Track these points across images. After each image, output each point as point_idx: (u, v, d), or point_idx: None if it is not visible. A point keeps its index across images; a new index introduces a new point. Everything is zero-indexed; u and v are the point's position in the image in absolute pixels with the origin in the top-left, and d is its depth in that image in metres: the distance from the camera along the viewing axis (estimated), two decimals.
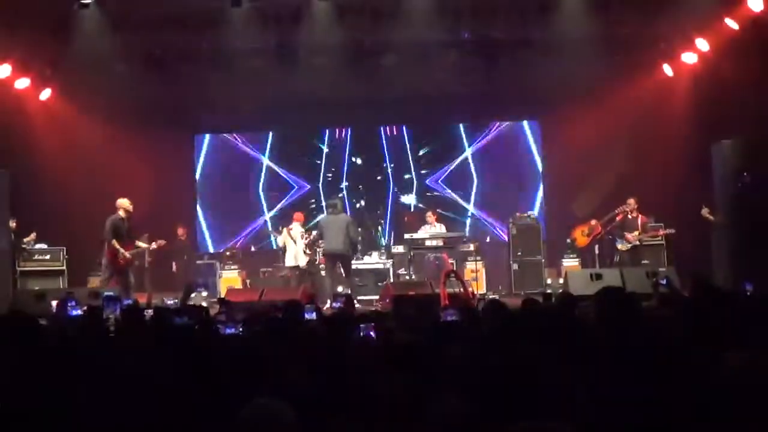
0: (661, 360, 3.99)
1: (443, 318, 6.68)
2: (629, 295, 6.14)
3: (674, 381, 3.70)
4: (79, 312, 8.43)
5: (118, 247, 13.11)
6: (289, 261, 15.17)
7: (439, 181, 18.39)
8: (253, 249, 18.13)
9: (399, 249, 16.34)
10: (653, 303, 7.28)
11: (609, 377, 4.04)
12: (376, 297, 14.00)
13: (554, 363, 4.07)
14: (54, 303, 9.69)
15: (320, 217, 15.34)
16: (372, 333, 5.41)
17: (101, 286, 13.27)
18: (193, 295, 14.19)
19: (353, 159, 18.48)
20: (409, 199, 18.37)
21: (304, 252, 15.10)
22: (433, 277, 14.79)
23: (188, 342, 5.20)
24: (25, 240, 14.57)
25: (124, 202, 13.37)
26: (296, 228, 15.24)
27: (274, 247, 16.88)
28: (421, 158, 18.46)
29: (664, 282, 9.38)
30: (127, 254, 13.23)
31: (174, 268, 16.19)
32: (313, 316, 6.99)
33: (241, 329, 5.97)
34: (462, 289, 11.87)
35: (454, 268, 13.49)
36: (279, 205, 18.37)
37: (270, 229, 16.93)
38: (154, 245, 13.98)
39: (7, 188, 13.30)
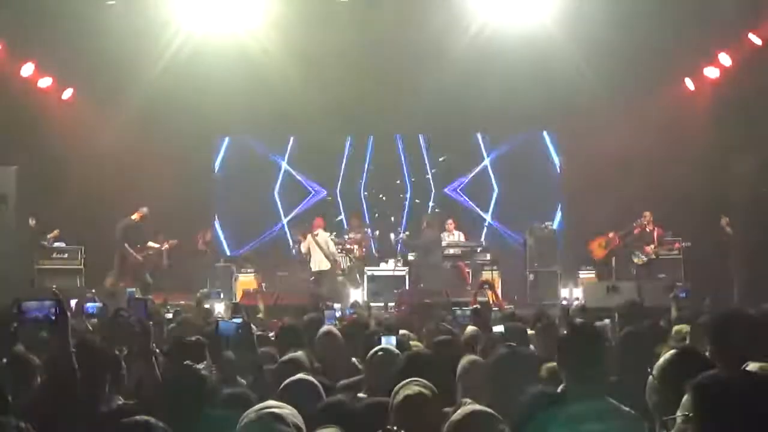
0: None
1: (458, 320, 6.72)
2: (647, 309, 6.15)
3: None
4: (95, 309, 8.50)
5: (129, 250, 13.31)
6: (315, 266, 15.21)
7: (458, 190, 18.36)
8: (269, 253, 18.13)
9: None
10: (672, 317, 7.25)
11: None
12: (392, 304, 13.98)
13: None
14: (73, 302, 9.71)
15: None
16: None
17: (112, 284, 13.40)
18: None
19: (371, 166, 18.45)
20: (427, 207, 18.31)
21: (328, 257, 15.17)
22: (449, 285, 14.85)
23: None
24: (48, 236, 14.68)
25: (142, 209, 13.61)
26: (321, 234, 15.29)
27: (294, 252, 16.90)
28: (439, 167, 18.42)
29: (683, 295, 9.36)
30: (138, 256, 13.39)
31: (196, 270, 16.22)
32: (332, 322, 7.02)
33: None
34: (495, 301, 12.01)
35: (485, 279, 13.64)
36: (296, 210, 18.37)
37: (291, 239, 16.95)
38: (165, 245, 14.07)
39: (27, 186, 13.42)
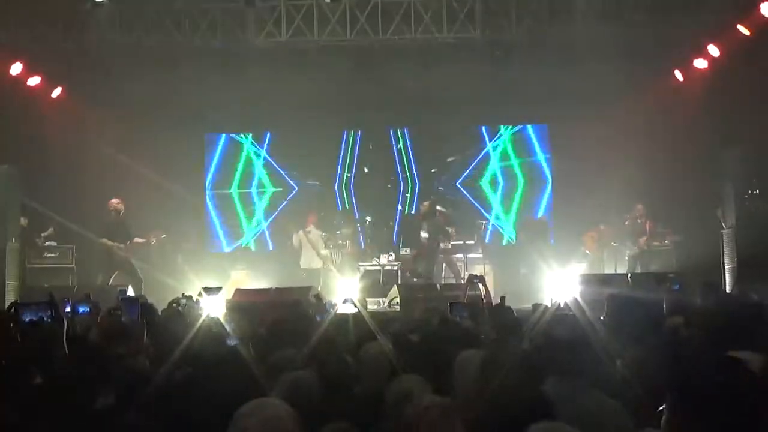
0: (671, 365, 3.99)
1: (454, 316, 6.73)
2: (638, 301, 6.15)
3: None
4: (87, 309, 8.47)
5: (109, 243, 13.22)
6: (305, 263, 15.20)
7: (447, 184, 18.35)
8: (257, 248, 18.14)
9: (407, 251, 16.33)
10: (664, 309, 7.26)
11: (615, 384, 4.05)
12: (385, 299, 14.00)
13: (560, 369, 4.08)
14: (67, 302, 9.68)
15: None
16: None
17: (103, 283, 13.36)
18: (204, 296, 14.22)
19: (362, 160, 18.44)
20: (418, 201, 18.32)
21: (319, 254, 15.15)
22: (442, 279, 14.89)
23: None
24: (42, 234, 14.64)
25: (113, 202, 13.48)
26: (314, 231, 15.28)
27: (272, 247, 17.02)
28: (429, 161, 18.42)
29: (676, 287, 9.37)
30: (122, 246, 13.32)
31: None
32: (325, 317, 7.02)
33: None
34: (485, 294, 12.01)
35: (475, 272, 13.66)
36: (288, 206, 18.36)
37: (287, 230, 17.05)
38: (153, 240, 13.99)
39: (18, 185, 13.37)
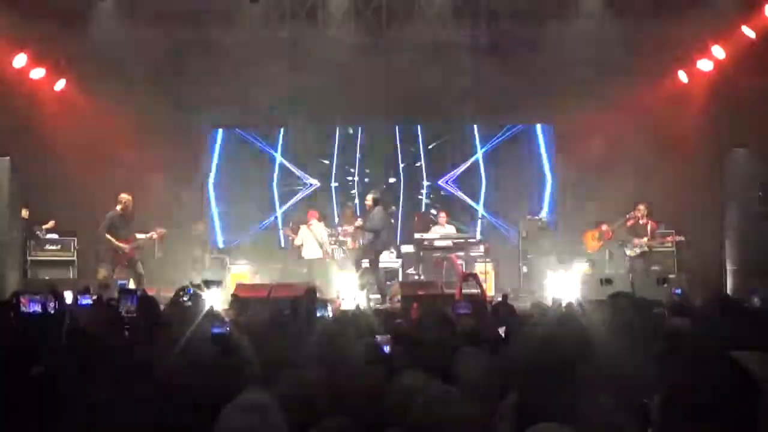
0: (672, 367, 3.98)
1: (455, 311, 6.72)
2: (640, 301, 6.15)
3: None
4: (89, 301, 8.47)
5: (113, 241, 13.21)
6: (307, 254, 15.28)
7: (451, 182, 18.34)
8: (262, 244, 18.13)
9: (409, 249, 16.32)
10: (665, 310, 7.26)
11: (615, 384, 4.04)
12: (386, 296, 14.00)
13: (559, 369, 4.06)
14: (69, 294, 9.69)
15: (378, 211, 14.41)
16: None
17: (105, 276, 13.35)
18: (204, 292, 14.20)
19: (365, 157, 18.43)
20: (420, 198, 18.32)
21: (321, 246, 15.19)
22: (443, 277, 14.87)
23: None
24: (44, 227, 14.64)
25: (122, 197, 13.47)
26: (315, 224, 15.32)
27: (282, 244, 17.08)
28: (432, 158, 18.42)
29: (678, 292, 9.38)
30: (126, 247, 13.31)
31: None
32: (325, 313, 7.01)
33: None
34: (480, 292, 12.08)
35: (469, 271, 13.65)
36: (290, 202, 18.37)
37: (282, 227, 17.07)
38: (154, 235, 13.96)
39: (20, 177, 13.37)
